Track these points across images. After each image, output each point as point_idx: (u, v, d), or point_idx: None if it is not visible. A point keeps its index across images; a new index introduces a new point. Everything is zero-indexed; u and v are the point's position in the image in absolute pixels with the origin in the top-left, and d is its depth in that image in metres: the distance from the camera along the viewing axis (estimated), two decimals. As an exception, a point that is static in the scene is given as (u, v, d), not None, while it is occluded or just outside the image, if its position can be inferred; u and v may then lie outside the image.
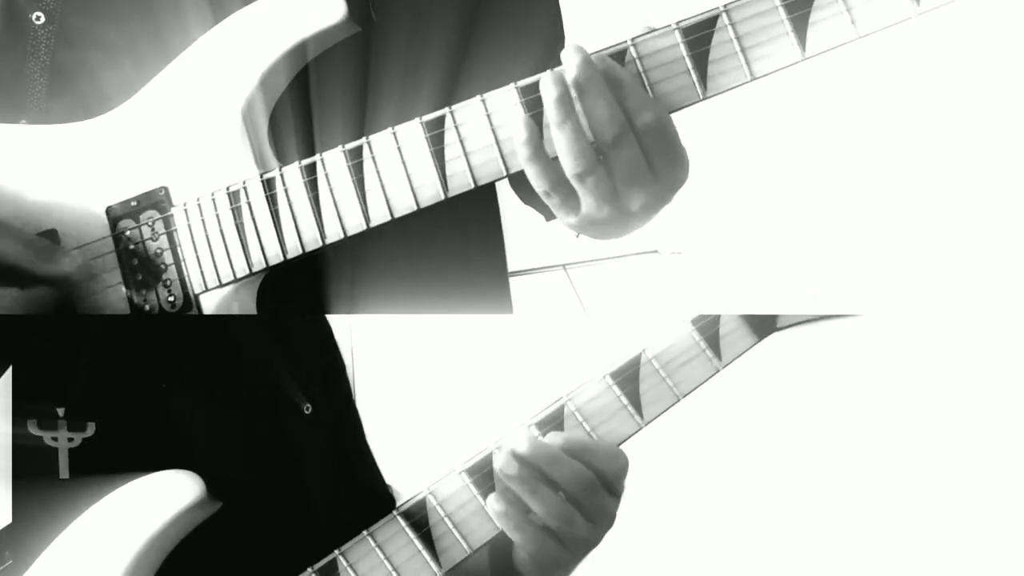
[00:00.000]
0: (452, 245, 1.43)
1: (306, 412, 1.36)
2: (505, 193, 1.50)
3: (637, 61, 1.19)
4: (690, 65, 1.18)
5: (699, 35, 1.17)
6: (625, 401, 1.29)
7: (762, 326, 1.27)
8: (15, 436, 1.22)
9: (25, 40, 1.38)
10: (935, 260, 2.99)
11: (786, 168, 2.99)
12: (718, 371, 1.28)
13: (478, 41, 1.35)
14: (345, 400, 1.47)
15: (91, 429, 1.24)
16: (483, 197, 1.45)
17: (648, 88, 1.19)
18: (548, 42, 1.47)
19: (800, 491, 2.66)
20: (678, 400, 1.29)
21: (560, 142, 1.18)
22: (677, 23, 1.18)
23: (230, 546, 1.26)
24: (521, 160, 1.21)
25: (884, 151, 3.00)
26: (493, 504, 1.26)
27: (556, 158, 1.20)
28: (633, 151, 1.18)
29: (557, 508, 1.24)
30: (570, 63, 1.18)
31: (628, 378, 1.29)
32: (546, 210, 1.53)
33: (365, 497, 1.44)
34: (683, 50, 1.18)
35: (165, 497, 1.22)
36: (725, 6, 1.17)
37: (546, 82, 1.19)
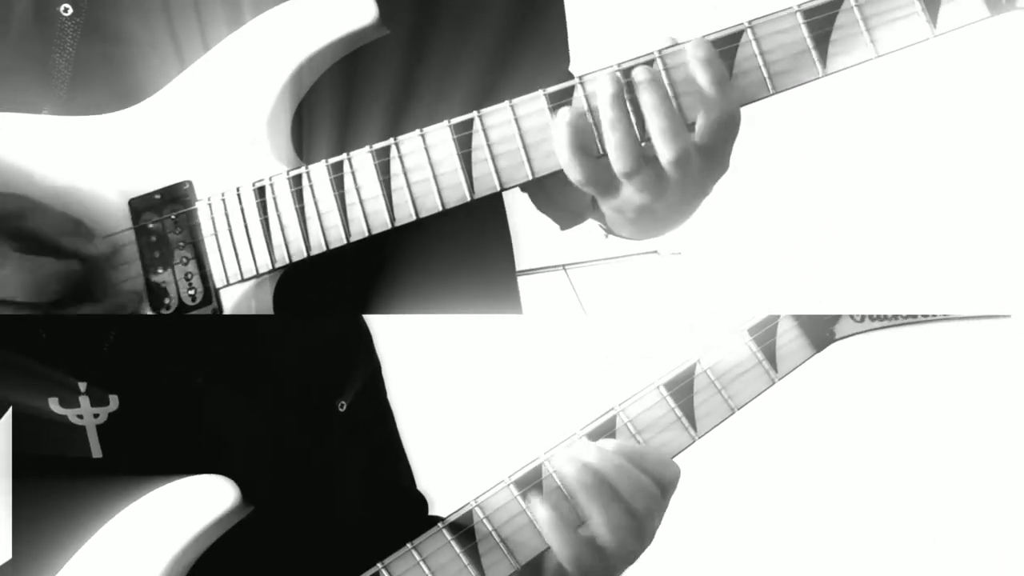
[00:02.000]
0: (462, 244, 1.52)
1: (340, 409, 1.43)
2: (509, 195, 1.58)
3: (664, 72, 1.30)
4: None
5: (724, 49, 1.28)
6: (679, 413, 1.32)
7: (820, 337, 1.31)
8: (39, 415, 1.27)
9: (51, 31, 1.47)
10: (936, 261, 3.10)
11: (785, 169, 3.08)
12: (774, 383, 1.31)
13: (508, 55, 1.46)
14: (379, 398, 1.53)
15: (114, 403, 1.29)
16: (491, 197, 1.56)
17: (673, 99, 1.30)
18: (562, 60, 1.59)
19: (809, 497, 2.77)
20: (733, 413, 1.32)
21: (610, 140, 1.28)
22: (703, 37, 1.29)
23: (261, 545, 1.32)
24: (561, 147, 1.30)
25: (885, 151, 3.10)
26: (540, 510, 1.30)
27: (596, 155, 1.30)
28: (691, 168, 1.29)
29: (618, 520, 1.28)
30: (639, 74, 1.28)
31: (682, 389, 1.32)
32: (561, 219, 1.63)
33: (397, 495, 1.51)
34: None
35: (202, 503, 1.26)
36: (750, 22, 1.28)
37: (603, 80, 1.29)
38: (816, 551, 2.76)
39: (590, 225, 1.64)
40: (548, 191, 1.59)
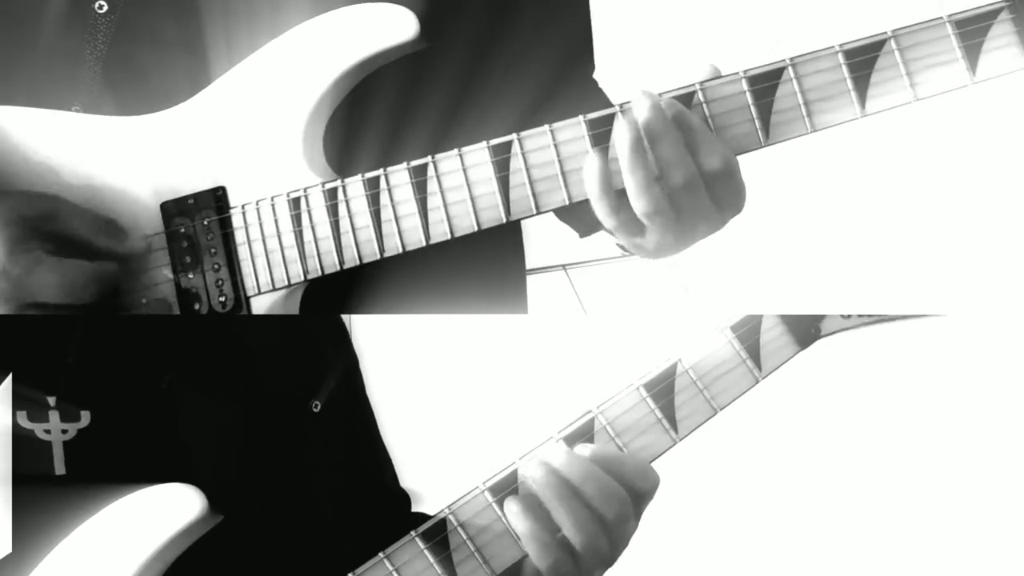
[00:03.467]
0: (472, 244, 1.52)
1: (314, 410, 1.45)
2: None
3: (704, 105, 1.35)
4: (754, 113, 1.34)
5: (765, 85, 1.34)
6: (659, 415, 1.32)
7: (805, 334, 1.31)
8: (4, 428, 1.26)
9: (84, 26, 1.50)
10: (934, 262, 3.16)
11: (787, 170, 3.13)
12: (758, 382, 1.32)
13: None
14: (356, 395, 1.55)
15: (85, 419, 1.30)
16: None
17: (714, 131, 1.34)
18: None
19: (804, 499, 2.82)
20: (715, 413, 1.32)
21: (631, 185, 1.33)
22: (744, 71, 1.34)
23: (239, 550, 1.34)
24: (590, 195, 1.36)
25: (884, 153, 3.15)
26: (517, 519, 1.31)
27: (622, 191, 1.35)
28: (701, 195, 1.33)
29: (586, 526, 1.30)
30: (641, 108, 1.32)
31: (663, 390, 1.33)
32: (580, 227, 1.68)
33: (378, 495, 1.54)
34: (749, 98, 1.34)
35: (167, 512, 1.26)
36: (792, 59, 1.33)
37: (620, 129, 1.33)
38: (800, 550, 2.82)
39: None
40: (573, 205, 1.63)
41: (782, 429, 2.77)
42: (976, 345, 2.71)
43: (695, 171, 1.32)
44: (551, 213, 1.67)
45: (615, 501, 1.30)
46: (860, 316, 1.32)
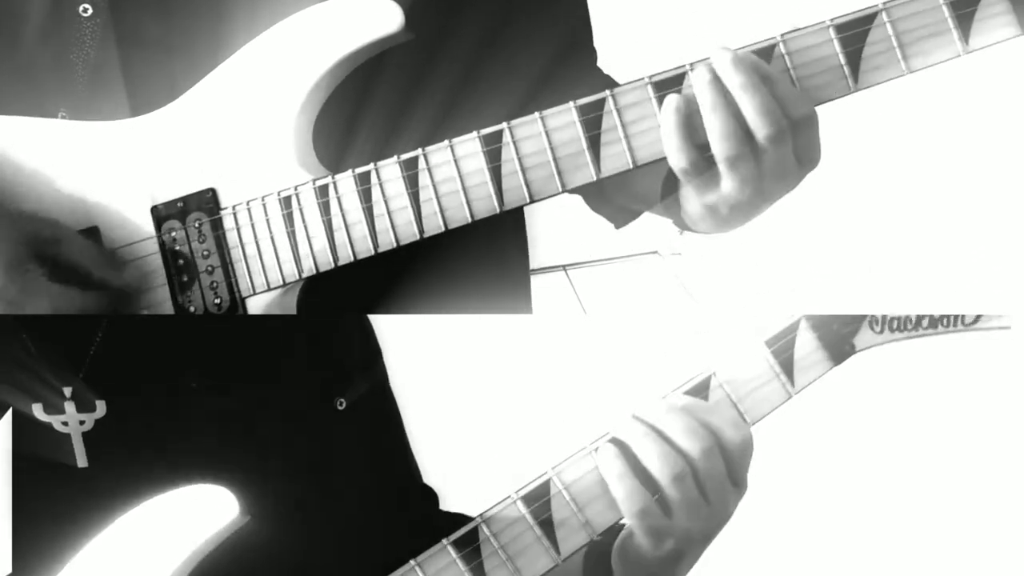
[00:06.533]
0: (477, 241, 1.51)
1: (339, 408, 1.44)
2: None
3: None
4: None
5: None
6: None
7: (840, 351, 1.31)
8: (22, 425, 1.26)
9: (69, 31, 1.49)
10: (933, 261, 3.14)
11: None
12: (791, 397, 1.31)
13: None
14: (381, 393, 1.54)
15: (101, 409, 1.29)
16: None
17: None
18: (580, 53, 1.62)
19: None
20: (748, 427, 1.31)
21: (713, 124, 1.30)
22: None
23: (264, 549, 1.32)
24: (667, 147, 1.32)
25: (883, 152, 3.14)
26: (606, 450, 1.30)
27: (703, 144, 1.32)
28: (786, 147, 1.30)
29: (670, 459, 1.27)
30: (721, 61, 1.30)
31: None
32: (616, 217, 1.64)
33: (405, 492, 1.54)
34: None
35: (200, 515, 1.26)
36: (782, 35, 1.31)
37: (699, 69, 1.30)
38: (822, 563, 2.80)
39: (600, 222, 1.68)
40: (605, 191, 1.60)
41: (808, 438, 2.75)
42: (1006, 355, 2.68)
43: (784, 122, 1.29)
44: (584, 204, 1.66)
45: (698, 437, 1.28)
46: (892, 330, 1.32)
